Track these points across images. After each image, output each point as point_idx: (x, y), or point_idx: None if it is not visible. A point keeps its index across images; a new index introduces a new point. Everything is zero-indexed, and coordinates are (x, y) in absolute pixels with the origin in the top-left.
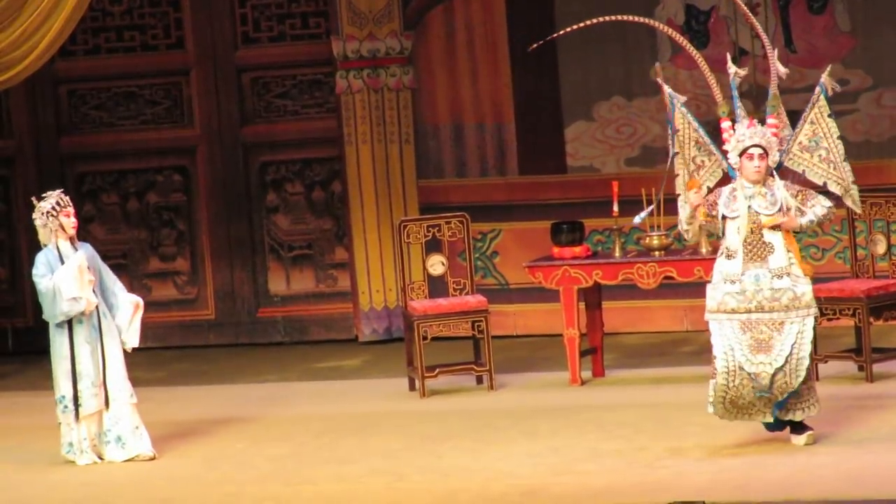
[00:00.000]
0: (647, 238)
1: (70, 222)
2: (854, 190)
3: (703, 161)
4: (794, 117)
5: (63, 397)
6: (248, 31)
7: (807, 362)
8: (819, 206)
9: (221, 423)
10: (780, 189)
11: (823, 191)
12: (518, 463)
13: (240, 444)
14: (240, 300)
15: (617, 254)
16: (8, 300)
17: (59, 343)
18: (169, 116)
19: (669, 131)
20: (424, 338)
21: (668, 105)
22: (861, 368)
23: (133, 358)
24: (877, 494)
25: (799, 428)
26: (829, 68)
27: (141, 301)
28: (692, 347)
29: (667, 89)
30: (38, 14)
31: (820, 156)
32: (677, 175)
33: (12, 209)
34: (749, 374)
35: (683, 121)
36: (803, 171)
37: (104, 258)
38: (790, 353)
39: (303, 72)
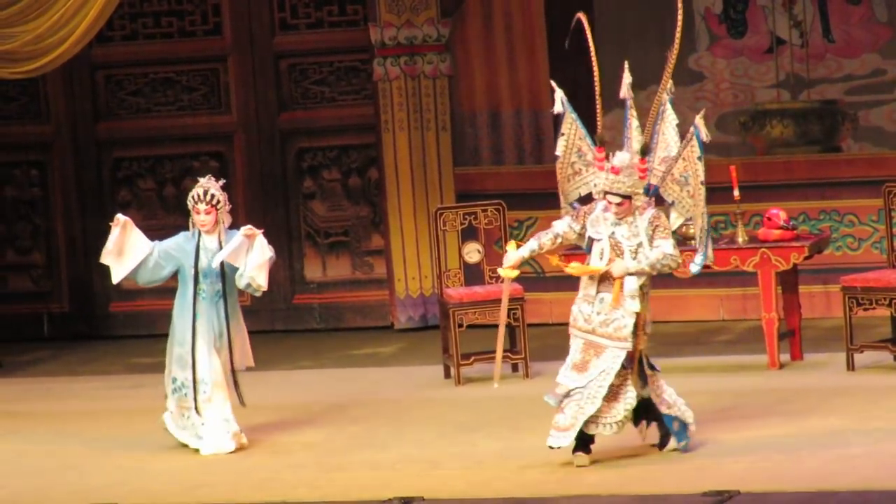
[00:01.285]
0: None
1: (199, 220)
2: (707, 245)
3: (580, 169)
4: (827, 107)
5: (179, 382)
6: (285, 17)
7: (603, 392)
8: (659, 251)
9: (257, 410)
10: (645, 221)
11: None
12: (553, 451)
13: (275, 430)
14: (276, 287)
15: None
16: (45, 286)
17: (179, 329)
18: (206, 103)
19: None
20: (460, 325)
21: (560, 109)
22: None
23: (165, 344)
24: None
25: (584, 446)
26: (703, 112)
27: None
28: (728, 336)
29: (559, 94)
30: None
31: (688, 191)
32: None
33: (49, 195)
34: (558, 383)
35: (571, 127)
36: (672, 202)
37: None
38: (594, 379)
39: (340, 59)
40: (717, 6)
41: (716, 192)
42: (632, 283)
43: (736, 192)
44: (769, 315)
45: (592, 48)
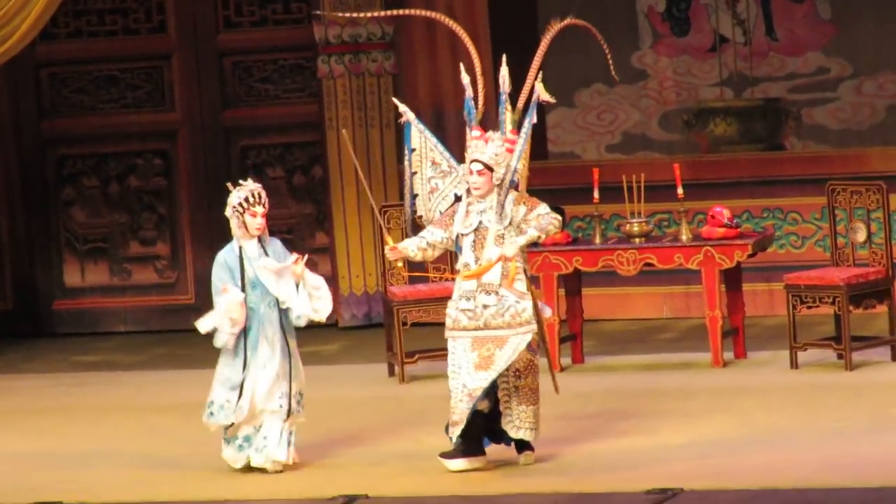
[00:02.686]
0: (628, 225)
1: (255, 223)
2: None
3: (436, 184)
4: (771, 105)
5: (217, 405)
6: (229, 15)
7: (527, 380)
8: (536, 214)
9: (201, 407)
10: (511, 203)
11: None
12: (497, 447)
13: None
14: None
15: (597, 240)
16: None
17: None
18: (150, 100)
19: (406, 152)
20: (404, 323)
21: (405, 123)
22: (840, 357)
23: (112, 342)
24: (855, 483)
25: (524, 446)
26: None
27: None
28: (672, 334)
29: (402, 107)
30: None
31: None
32: (416, 195)
33: None
34: (470, 391)
35: (420, 138)
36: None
37: (84, 242)
38: (507, 367)
39: (284, 56)
40: (660, 5)
41: (659, 190)
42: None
43: (679, 191)
44: (713, 313)
45: (544, 47)
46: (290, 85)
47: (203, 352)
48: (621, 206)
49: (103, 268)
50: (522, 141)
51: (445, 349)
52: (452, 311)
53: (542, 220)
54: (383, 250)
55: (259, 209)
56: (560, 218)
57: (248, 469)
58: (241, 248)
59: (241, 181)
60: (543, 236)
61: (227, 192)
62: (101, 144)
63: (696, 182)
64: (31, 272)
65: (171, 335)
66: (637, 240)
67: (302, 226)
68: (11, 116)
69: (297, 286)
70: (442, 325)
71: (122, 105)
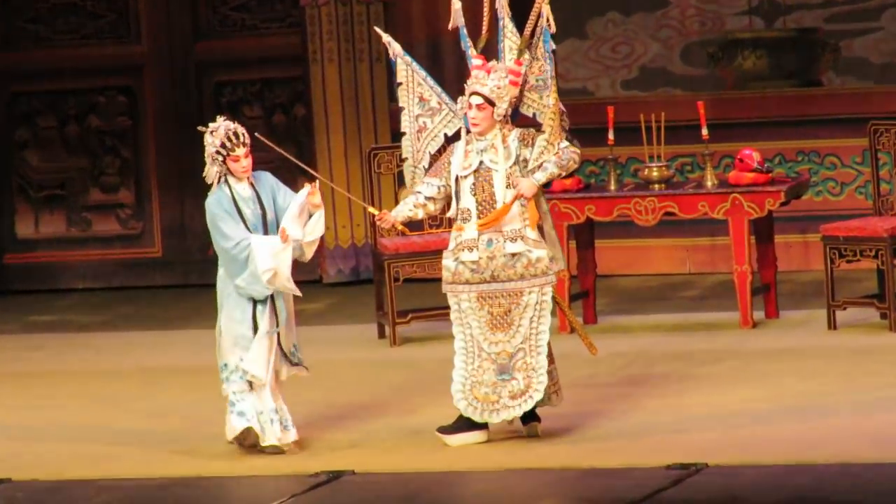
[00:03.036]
0: (646, 169)
1: (241, 166)
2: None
3: (424, 123)
4: (806, 36)
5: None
6: None
7: (546, 337)
8: (565, 152)
9: (170, 373)
10: (515, 140)
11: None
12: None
13: (189, 396)
14: (191, 236)
15: (612, 187)
16: None
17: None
18: (113, 31)
19: (396, 84)
20: (396, 279)
21: (394, 57)
22: (884, 316)
23: (70, 299)
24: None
25: (530, 417)
26: None
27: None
28: (695, 291)
29: (385, 37)
30: None
31: (548, 97)
32: (404, 133)
33: None
34: (489, 354)
35: (407, 71)
36: (533, 114)
37: (38, 189)
38: (529, 328)
39: None
40: None
41: (681, 130)
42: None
43: (704, 131)
44: (741, 268)
45: None
46: (269, 14)
47: (173, 311)
48: (639, 149)
49: (60, 217)
50: (550, 70)
51: (442, 307)
52: (451, 263)
53: (562, 154)
54: (374, 216)
55: (241, 150)
56: (579, 151)
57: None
58: (231, 189)
59: (211, 122)
60: (563, 173)
61: (200, 136)
62: (59, 80)
63: (722, 122)
64: None
65: (136, 292)
66: (656, 186)
67: (282, 170)
68: None
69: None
70: (438, 280)
71: (81, 36)
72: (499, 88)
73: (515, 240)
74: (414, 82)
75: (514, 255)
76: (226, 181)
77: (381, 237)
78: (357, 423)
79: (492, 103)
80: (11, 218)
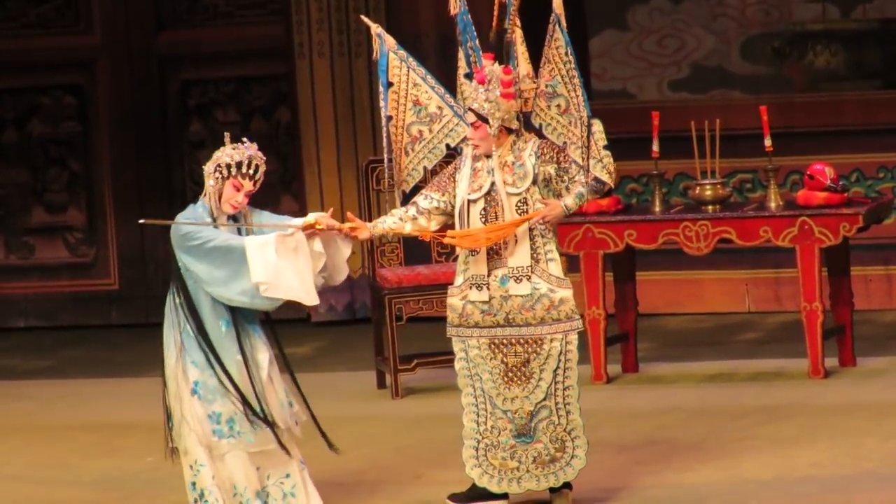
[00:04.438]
0: (698, 188)
1: (234, 197)
2: (605, 158)
3: (420, 132)
4: (889, 28)
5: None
6: None
7: (576, 393)
8: (597, 171)
9: (127, 429)
10: (532, 156)
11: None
12: (526, 495)
13: (150, 458)
14: (152, 265)
15: (657, 208)
16: None
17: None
18: (60, 18)
19: (381, 87)
20: (399, 318)
21: (378, 51)
22: None
23: (8, 341)
24: None
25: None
26: None
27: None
28: (756, 334)
29: (374, 28)
30: None
31: (558, 106)
32: (387, 147)
33: None
34: (504, 413)
35: (401, 70)
36: (540, 125)
37: None
38: (553, 382)
39: None
40: None
41: (740, 141)
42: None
43: (767, 142)
44: (811, 306)
45: None
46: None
47: (130, 354)
48: (689, 163)
49: None
50: (565, 73)
51: (452, 354)
52: (457, 303)
53: (593, 172)
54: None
55: (247, 184)
56: (613, 167)
57: None
58: (212, 211)
59: (243, 139)
60: (595, 197)
61: (166, 144)
62: None
63: (789, 131)
64: None
65: (88, 332)
66: (710, 208)
67: (263, 187)
68: None
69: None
70: (443, 320)
71: (21, 25)
72: (489, 103)
73: (521, 280)
74: (409, 83)
75: (530, 294)
76: (209, 202)
77: (381, 268)
78: (354, 488)
79: (486, 123)
80: None
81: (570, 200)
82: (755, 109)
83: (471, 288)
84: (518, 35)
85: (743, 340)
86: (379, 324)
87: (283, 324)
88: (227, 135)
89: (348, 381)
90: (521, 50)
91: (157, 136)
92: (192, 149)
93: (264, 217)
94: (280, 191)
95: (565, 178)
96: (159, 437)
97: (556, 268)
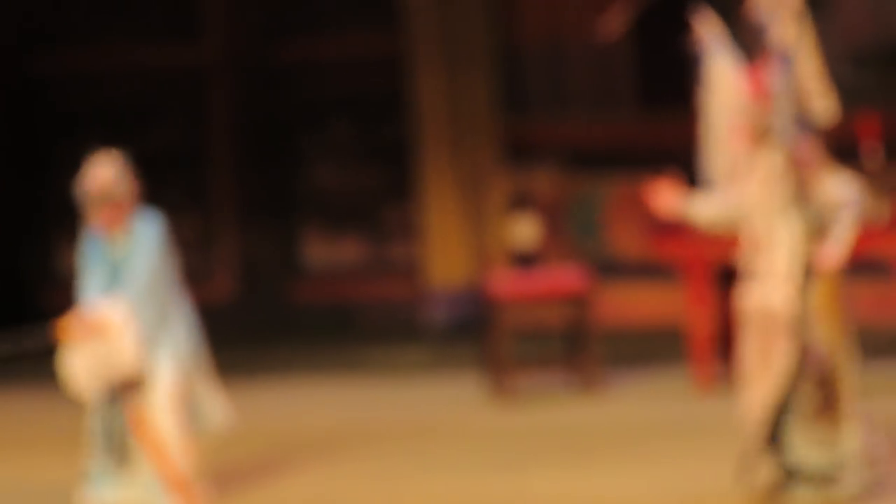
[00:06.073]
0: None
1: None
2: None
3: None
4: None
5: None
6: None
7: None
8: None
9: (229, 442)
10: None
11: None
12: (627, 494)
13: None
14: (264, 275)
15: None
16: None
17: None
18: (173, 30)
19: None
20: (509, 327)
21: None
22: None
23: None
24: None
25: None
26: None
27: None
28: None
29: (703, 29)
30: None
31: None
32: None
33: None
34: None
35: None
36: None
37: None
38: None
39: None
40: None
41: None
42: None
43: None
44: None
45: None
46: (361, 11)
47: (243, 363)
48: None
49: None
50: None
51: (561, 361)
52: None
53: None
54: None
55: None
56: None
57: None
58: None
59: None
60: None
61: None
62: (98, 86)
63: None
64: None
65: None
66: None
67: (375, 199)
68: None
69: None
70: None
71: (137, 36)
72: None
73: None
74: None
75: None
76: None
77: (492, 278)
78: (463, 494)
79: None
80: None
81: (841, 230)
82: None
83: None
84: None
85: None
86: (489, 332)
87: (392, 331)
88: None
89: (457, 388)
90: None
91: (271, 147)
92: (306, 162)
93: None
94: (393, 202)
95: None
96: (264, 439)
97: None
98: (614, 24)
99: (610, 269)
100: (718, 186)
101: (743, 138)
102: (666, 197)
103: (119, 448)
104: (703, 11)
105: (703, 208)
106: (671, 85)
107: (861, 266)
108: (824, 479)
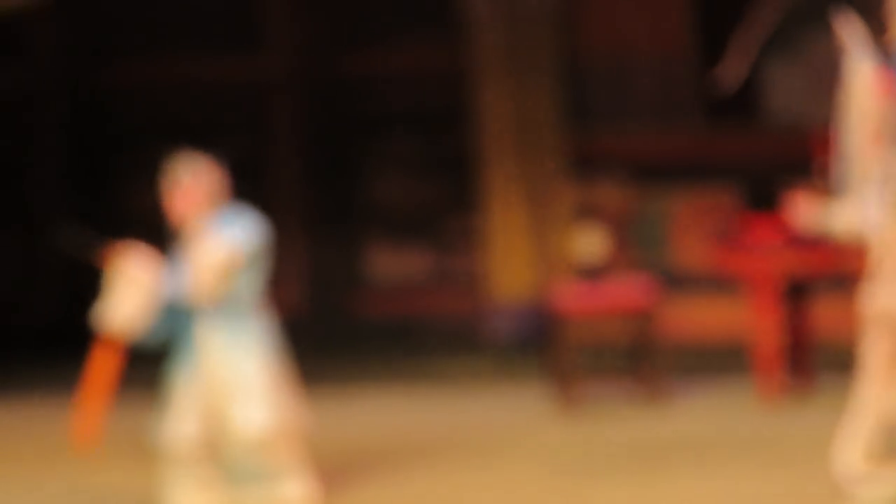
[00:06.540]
0: None
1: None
2: None
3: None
4: None
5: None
6: None
7: None
8: None
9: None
10: None
11: None
12: None
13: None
14: (329, 287)
15: None
16: None
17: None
18: (237, 44)
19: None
20: (573, 341)
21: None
22: None
23: None
24: None
25: None
26: None
27: None
28: None
29: (848, 34)
30: None
31: None
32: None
33: None
34: None
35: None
36: None
37: None
38: None
39: None
40: None
41: None
42: None
43: None
44: None
45: None
46: (424, 23)
47: (306, 377)
48: None
49: None
50: None
51: (625, 374)
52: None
53: None
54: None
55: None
56: None
57: None
58: None
59: None
60: None
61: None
62: (160, 102)
63: None
64: None
65: None
66: None
67: (438, 210)
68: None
69: None
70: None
71: (202, 48)
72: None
73: None
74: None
75: None
76: None
77: (556, 291)
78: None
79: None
80: None
81: None
82: None
83: None
84: None
85: None
86: (552, 345)
87: (455, 344)
88: None
89: (519, 400)
90: None
91: (334, 158)
92: (369, 173)
93: None
94: (456, 214)
95: None
96: (326, 447)
97: None
98: (734, 69)
99: (675, 281)
100: (856, 194)
101: (879, 143)
102: (804, 208)
103: None
104: (844, 14)
105: (842, 218)
106: (736, 97)
107: None
108: None
